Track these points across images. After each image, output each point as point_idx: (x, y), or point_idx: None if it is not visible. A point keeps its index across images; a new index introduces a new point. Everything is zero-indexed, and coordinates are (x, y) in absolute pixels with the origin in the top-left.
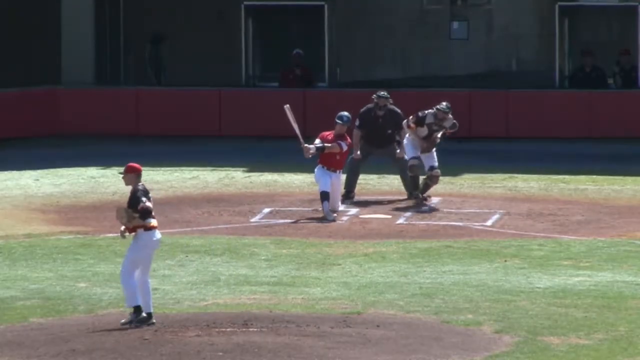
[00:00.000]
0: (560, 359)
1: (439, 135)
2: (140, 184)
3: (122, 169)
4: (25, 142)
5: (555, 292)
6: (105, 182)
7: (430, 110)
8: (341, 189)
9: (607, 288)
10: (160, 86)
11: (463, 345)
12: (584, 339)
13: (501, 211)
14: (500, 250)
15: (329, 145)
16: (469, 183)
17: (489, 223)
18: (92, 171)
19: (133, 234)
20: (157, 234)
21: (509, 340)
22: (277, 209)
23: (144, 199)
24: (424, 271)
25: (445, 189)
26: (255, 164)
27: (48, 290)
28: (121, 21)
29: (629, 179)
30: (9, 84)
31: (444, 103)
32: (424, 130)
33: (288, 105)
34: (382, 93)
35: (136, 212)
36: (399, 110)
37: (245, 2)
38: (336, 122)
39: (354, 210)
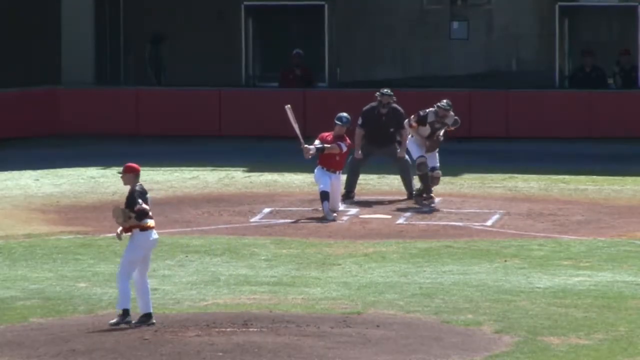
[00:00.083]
0: (560, 359)
1: (442, 133)
2: (138, 184)
3: (121, 169)
4: (25, 142)
5: (555, 292)
6: (105, 182)
7: (431, 109)
8: (341, 189)
9: (607, 288)
10: (160, 86)
11: (463, 345)
12: (584, 339)
13: (501, 211)
14: (500, 250)
15: (329, 146)
16: (469, 183)
17: (489, 223)
18: (92, 171)
19: (129, 234)
20: (154, 235)
21: (509, 340)
22: (277, 209)
23: (140, 200)
24: (424, 271)
25: (445, 189)
26: (255, 164)
27: (48, 290)
28: (121, 21)
29: (629, 179)
30: (9, 84)
31: (445, 100)
32: (426, 130)
33: (289, 106)
34: (385, 90)
35: (133, 212)
36: (401, 110)
37: (245, 2)
38: (335, 123)
39: (354, 210)
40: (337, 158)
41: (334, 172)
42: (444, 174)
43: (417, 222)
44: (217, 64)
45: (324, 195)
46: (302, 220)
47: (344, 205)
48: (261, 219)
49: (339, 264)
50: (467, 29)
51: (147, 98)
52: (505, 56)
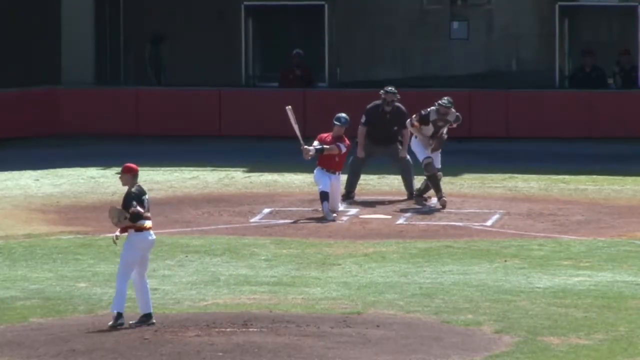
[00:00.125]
0: (560, 359)
1: (445, 130)
2: (136, 185)
3: (120, 170)
4: (25, 142)
5: (555, 292)
6: (105, 182)
7: (432, 107)
8: (341, 190)
9: (607, 288)
10: (160, 86)
11: (463, 345)
12: (584, 339)
13: (501, 211)
14: (500, 250)
15: (328, 147)
16: (469, 183)
17: (489, 223)
18: (92, 171)
19: (125, 234)
20: (150, 236)
21: (509, 340)
22: (277, 209)
23: (134, 202)
24: (424, 271)
25: (445, 189)
26: (255, 164)
27: (48, 290)
28: (121, 21)
29: (629, 179)
30: (9, 84)
31: (446, 98)
32: (429, 129)
33: (290, 107)
34: (390, 88)
35: (128, 213)
36: (404, 109)
37: (245, 2)
38: (334, 124)
39: (354, 210)
40: (337, 159)
41: (334, 172)
42: (444, 174)
43: (417, 222)
44: (217, 64)
45: (324, 196)
46: (302, 221)
47: (343, 206)
48: (261, 219)
49: (339, 264)
50: (467, 29)
51: (147, 98)
52: (505, 56)
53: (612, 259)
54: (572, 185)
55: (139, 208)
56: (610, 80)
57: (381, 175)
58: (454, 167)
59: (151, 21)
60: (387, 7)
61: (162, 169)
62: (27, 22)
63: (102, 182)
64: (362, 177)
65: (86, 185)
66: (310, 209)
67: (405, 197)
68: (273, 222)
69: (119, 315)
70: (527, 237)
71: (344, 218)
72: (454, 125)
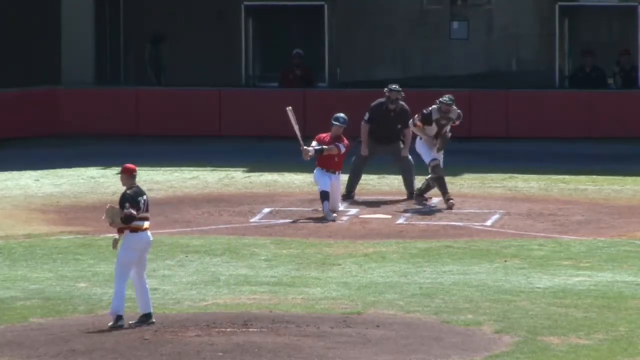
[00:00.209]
0: (560, 359)
1: (449, 129)
2: (134, 185)
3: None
4: (25, 142)
5: (555, 292)
6: (105, 182)
7: (434, 106)
8: (341, 189)
9: (607, 288)
10: (160, 86)
11: (463, 345)
12: (584, 339)
13: (501, 211)
14: (500, 250)
15: (327, 147)
16: (469, 183)
17: (489, 223)
18: (92, 171)
19: (122, 234)
20: (145, 236)
21: (509, 340)
22: (277, 209)
23: (127, 204)
24: (424, 271)
25: None
26: (255, 164)
27: (48, 290)
28: (121, 21)
29: (629, 179)
30: (9, 84)
31: (447, 96)
32: (433, 128)
33: (290, 108)
34: (394, 86)
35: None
36: (408, 108)
37: (245, 2)
38: (332, 124)
39: (354, 210)
40: (336, 159)
41: (334, 172)
42: (444, 174)
43: (417, 222)
44: (217, 64)
45: (324, 195)
46: (302, 220)
47: (344, 205)
48: (261, 219)
49: (339, 264)
50: (467, 29)
51: (147, 98)
52: (505, 56)
53: (612, 259)
54: (572, 185)
55: (131, 210)
56: (610, 80)
57: (381, 175)
58: (454, 167)
59: (151, 21)
60: (387, 7)
61: (162, 169)
62: (27, 22)
63: (102, 182)
64: (363, 177)
65: (86, 185)
66: (310, 209)
67: (405, 197)
68: (273, 222)
69: (119, 317)
70: (527, 237)
71: (344, 218)
72: (457, 123)
